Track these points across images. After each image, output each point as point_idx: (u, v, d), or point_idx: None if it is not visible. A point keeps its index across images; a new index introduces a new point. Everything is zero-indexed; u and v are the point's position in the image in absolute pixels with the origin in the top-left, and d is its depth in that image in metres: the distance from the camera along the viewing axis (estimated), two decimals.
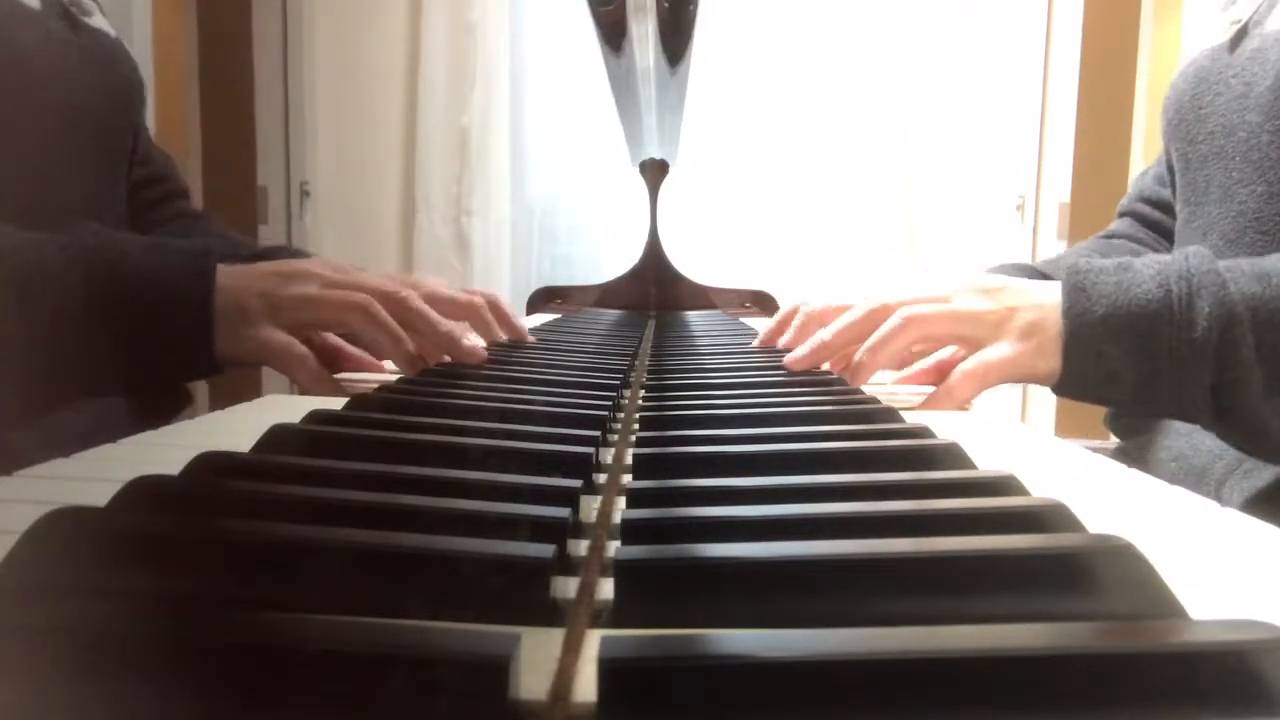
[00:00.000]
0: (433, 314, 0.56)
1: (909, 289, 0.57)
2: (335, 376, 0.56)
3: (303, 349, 0.52)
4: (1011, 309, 0.52)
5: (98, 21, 0.66)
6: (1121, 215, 0.86)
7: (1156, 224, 0.81)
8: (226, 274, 0.51)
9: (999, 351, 0.51)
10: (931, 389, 0.56)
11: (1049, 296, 0.51)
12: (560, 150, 2.64)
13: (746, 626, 0.19)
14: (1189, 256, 0.49)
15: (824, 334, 0.58)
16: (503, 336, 0.66)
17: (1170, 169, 0.73)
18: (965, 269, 0.77)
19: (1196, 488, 0.61)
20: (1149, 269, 0.49)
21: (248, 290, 0.51)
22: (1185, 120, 0.67)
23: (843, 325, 0.57)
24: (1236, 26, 0.63)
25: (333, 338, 0.60)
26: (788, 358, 0.59)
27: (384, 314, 0.53)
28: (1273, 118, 0.58)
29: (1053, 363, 0.50)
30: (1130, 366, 0.48)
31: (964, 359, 0.53)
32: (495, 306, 0.65)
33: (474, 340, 0.58)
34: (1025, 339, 0.51)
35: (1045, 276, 0.77)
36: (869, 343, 0.55)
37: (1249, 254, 0.60)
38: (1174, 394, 0.48)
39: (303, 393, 0.53)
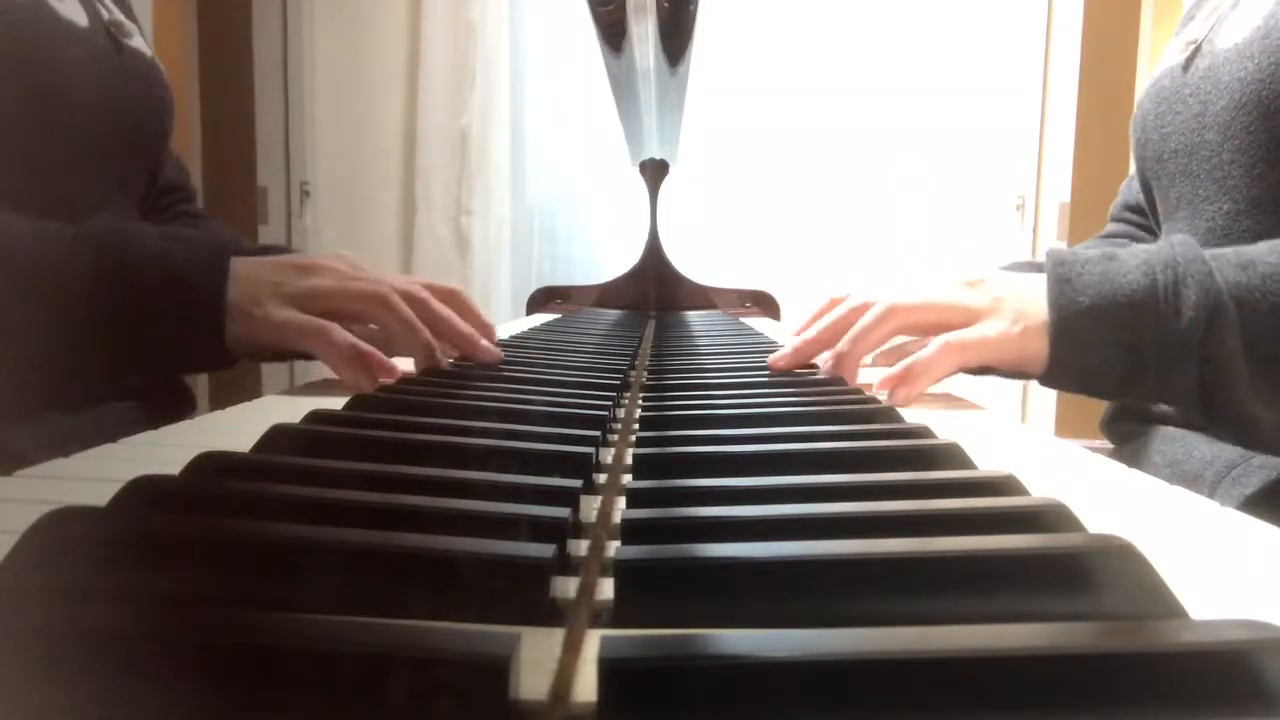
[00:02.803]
0: (450, 315, 0.57)
1: (892, 285, 0.57)
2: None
3: (325, 322, 0.51)
4: (997, 298, 0.52)
5: (137, 42, 0.67)
6: (1113, 220, 0.87)
7: (1146, 228, 0.82)
8: (241, 263, 0.51)
9: (982, 330, 0.51)
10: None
11: (1034, 286, 0.51)
12: (560, 150, 2.64)
13: (746, 626, 0.19)
14: (1174, 245, 0.49)
15: (808, 333, 0.58)
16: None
17: (1145, 185, 0.73)
18: (964, 264, 0.77)
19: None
20: (1134, 258, 0.49)
21: (262, 280, 0.51)
22: (1150, 140, 0.67)
23: (826, 324, 0.58)
24: (1192, 47, 0.63)
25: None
26: (771, 358, 0.59)
27: (403, 305, 0.53)
28: (1230, 137, 0.58)
29: (1037, 348, 0.49)
30: (1116, 356, 0.48)
31: None
32: (463, 305, 0.63)
33: (491, 345, 0.59)
34: (1011, 325, 0.50)
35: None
36: (851, 333, 0.55)
37: None
38: (1160, 384, 0.48)
39: (309, 363, 0.52)
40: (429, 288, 0.59)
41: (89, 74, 0.60)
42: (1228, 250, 0.49)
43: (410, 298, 0.55)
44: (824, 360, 0.57)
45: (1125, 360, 0.48)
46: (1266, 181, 0.57)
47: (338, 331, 0.51)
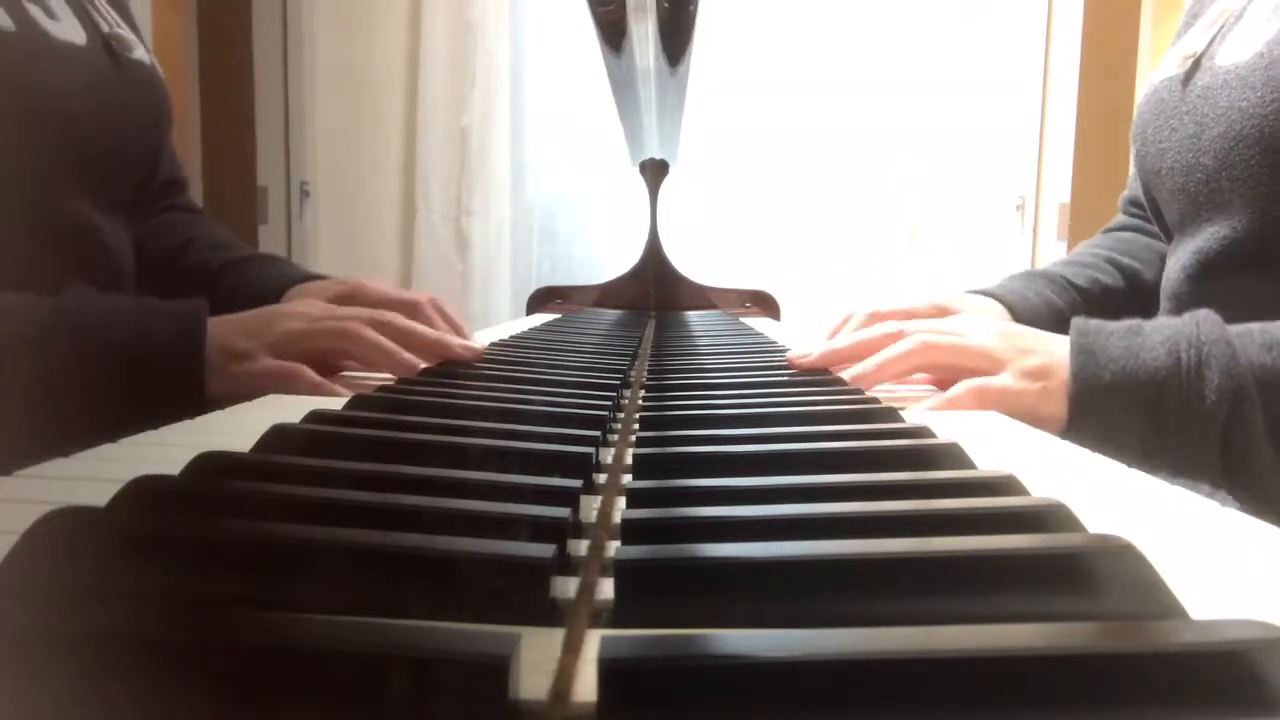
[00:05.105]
0: (419, 327, 0.59)
1: (928, 321, 0.58)
2: (341, 374, 0.57)
3: (297, 365, 0.53)
4: (1023, 351, 0.52)
5: (138, 54, 0.68)
6: (1121, 212, 0.87)
7: (1150, 220, 0.82)
8: (215, 324, 0.53)
9: (1003, 381, 0.52)
10: (929, 389, 0.57)
11: (1060, 349, 0.51)
12: (560, 150, 2.64)
13: (746, 626, 0.19)
14: (1199, 323, 0.49)
15: (837, 342, 0.59)
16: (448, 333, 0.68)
17: (1149, 194, 0.73)
18: (964, 265, 0.78)
19: None
20: (1159, 334, 0.49)
21: (236, 334, 0.53)
22: (1149, 153, 0.67)
23: (858, 339, 0.59)
24: (1191, 61, 0.63)
25: None
26: (792, 353, 0.60)
27: (370, 333, 0.56)
28: (1227, 166, 0.58)
29: (1055, 410, 0.50)
30: (1137, 433, 0.48)
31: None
32: (438, 307, 0.68)
33: (468, 341, 0.61)
34: (1031, 381, 0.51)
35: (1053, 282, 0.77)
36: (878, 357, 0.56)
37: (1211, 290, 0.60)
38: (1181, 460, 0.48)
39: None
40: (393, 303, 0.61)
41: (83, 95, 0.61)
42: (1255, 327, 0.48)
43: (376, 323, 0.57)
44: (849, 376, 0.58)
45: (1146, 436, 0.48)
46: (1266, 213, 0.57)
47: (306, 374, 0.53)
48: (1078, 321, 0.52)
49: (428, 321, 0.65)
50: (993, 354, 0.53)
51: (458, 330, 0.69)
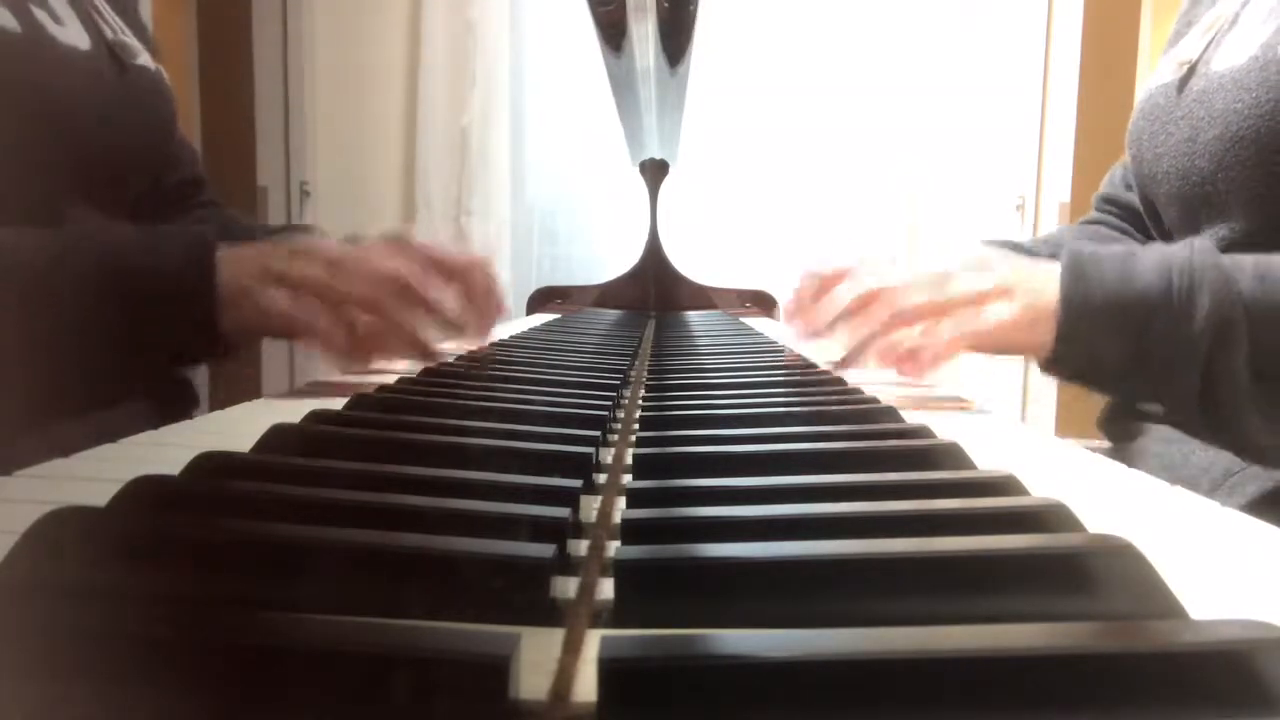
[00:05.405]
0: (405, 324, 0.57)
1: (899, 284, 0.56)
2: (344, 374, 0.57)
3: (312, 303, 0.52)
4: (1003, 284, 0.52)
5: (142, 60, 0.67)
6: (1095, 208, 0.87)
7: (1125, 219, 0.82)
8: (226, 251, 0.52)
9: (987, 317, 0.52)
10: (926, 387, 0.57)
11: (1045, 275, 0.51)
12: (560, 150, 2.64)
13: (746, 626, 0.19)
14: (1194, 249, 0.49)
15: (853, 338, 0.58)
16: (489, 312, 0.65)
17: (1146, 200, 0.73)
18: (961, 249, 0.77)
19: None
20: (1151, 258, 0.49)
21: (249, 260, 0.52)
22: (1145, 159, 0.67)
23: (863, 327, 0.57)
24: (1186, 67, 0.63)
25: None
26: (839, 362, 0.59)
27: (339, 336, 0.54)
28: (1223, 168, 0.58)
29: (1040, 337, 0.50)
30: (1120, 352, 0.48)
31: None
32: (485, 280, 0.64)
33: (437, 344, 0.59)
34: (1020, 312, 0.51)
35: (1035, 256, 0.77)
36: (922, 352, 0.54)
37: None
38: (1159, 385, 0.48)
39: (309, 365, 0.53)
40: (435, 262, 0.59)
41: (87, 100, 0.60)
42: (1248, 258, 0.49)
43: (394, 283, 0.55)
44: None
45: (1128, 358, 0.48)
46: (1263, 214, 0.57)
47: (321, 312, 0.52)
48: (1073, 245, 0.52)
49: (470, 290, 0.61)
50: (972, 295, 0.53)
51: (485, 309, 0.64)
